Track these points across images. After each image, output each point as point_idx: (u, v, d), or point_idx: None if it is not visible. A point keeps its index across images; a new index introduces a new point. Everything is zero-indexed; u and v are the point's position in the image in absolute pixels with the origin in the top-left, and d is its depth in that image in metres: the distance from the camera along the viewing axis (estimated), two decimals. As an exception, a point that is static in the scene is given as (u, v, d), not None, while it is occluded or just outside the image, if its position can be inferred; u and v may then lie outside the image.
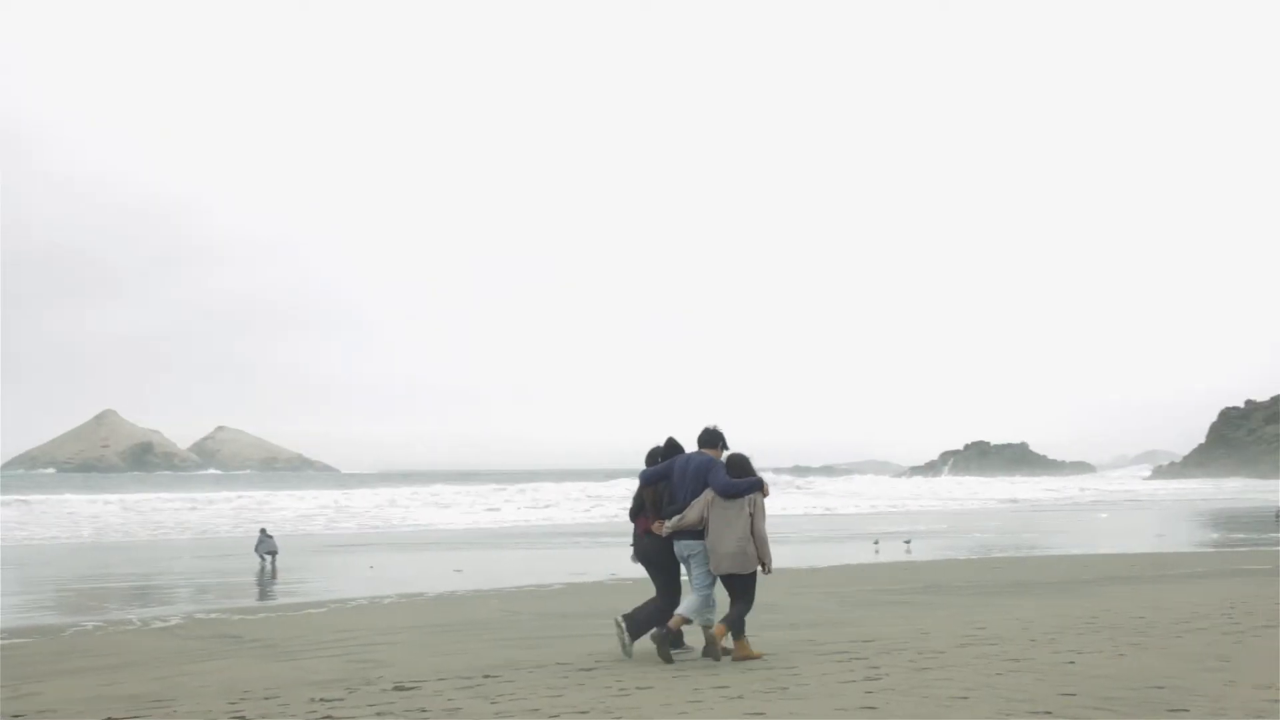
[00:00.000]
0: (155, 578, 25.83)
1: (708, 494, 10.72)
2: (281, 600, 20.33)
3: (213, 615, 17.80)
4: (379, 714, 8.61)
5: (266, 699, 9.62)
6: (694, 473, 10.88)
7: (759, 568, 10.74)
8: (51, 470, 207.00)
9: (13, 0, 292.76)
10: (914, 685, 8.83)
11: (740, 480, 10.76)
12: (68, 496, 66.76)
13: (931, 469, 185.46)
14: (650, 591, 11.46)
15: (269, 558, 27.30)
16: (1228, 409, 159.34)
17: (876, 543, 32.35)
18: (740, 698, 8.57)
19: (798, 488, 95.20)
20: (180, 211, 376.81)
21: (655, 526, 11.05)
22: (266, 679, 10.81)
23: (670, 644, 10.73)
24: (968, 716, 7.65)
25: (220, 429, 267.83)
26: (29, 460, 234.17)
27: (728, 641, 10.74)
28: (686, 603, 10.86)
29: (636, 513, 11.46)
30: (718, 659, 10.54)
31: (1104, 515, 52.87)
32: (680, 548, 10.91)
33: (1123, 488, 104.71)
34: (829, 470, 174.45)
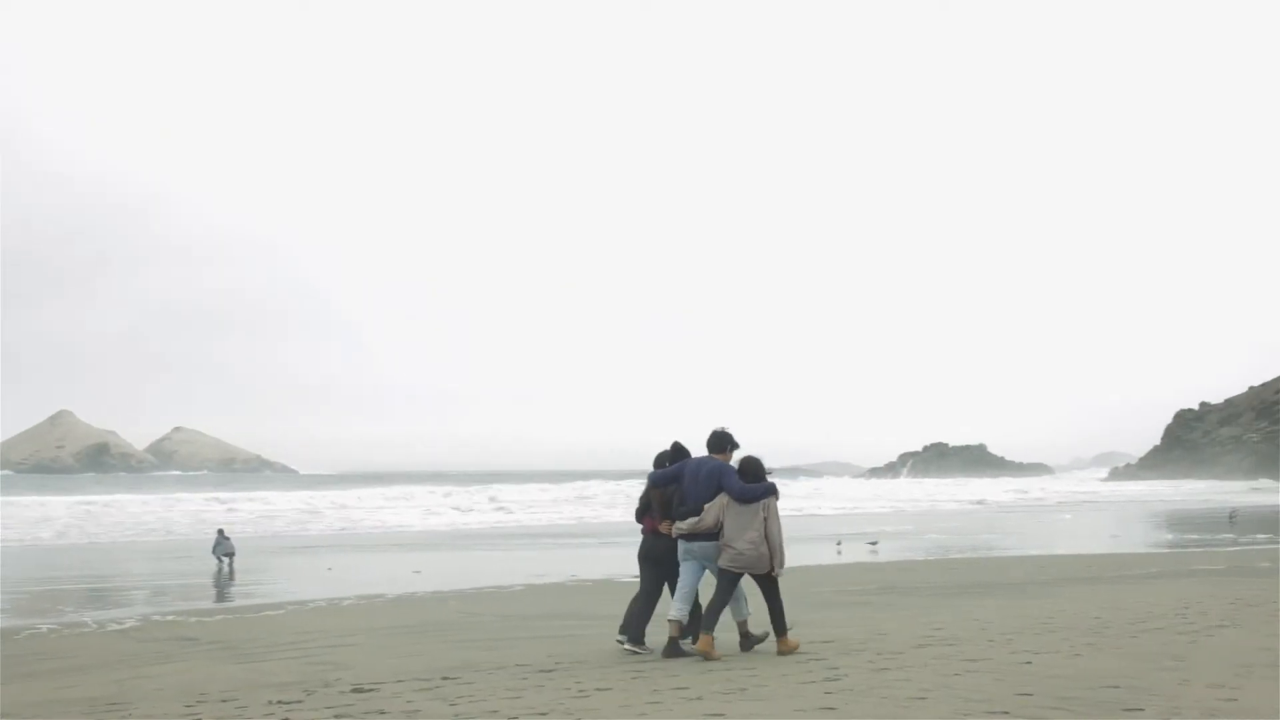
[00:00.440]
0: (111, 579, 25.59)
1: (722, 498, 10.97)
2: (239, 602, 20.19)
3: (169, 617, 17.65)
4: (337, 716, 8.57)
5: (223, 701, 9.56)
6: (706, 477, 11.11)
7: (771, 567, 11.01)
8: (6, 472, 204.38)
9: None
10: (873, 686, 8.87)
11: (756, 486, 11.02)
12: (21, 498, 65.99)
13: (891, 470, 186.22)
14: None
15: (226, 559, 27.12)
16: (1183, 411, 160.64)
17: (839, 544, 32.44)
18: (699, 699, 8.58)
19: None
20: (139, 209, 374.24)
21: (663, 527, 11.33)
22: (224, 681, 10.74)
23: (634, 641, 11.30)
24: (926, 717, 7.68)
25: (177, 430, 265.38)
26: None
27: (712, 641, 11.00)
28: (677, 605, 11.14)
29: (643, 513, 11.70)
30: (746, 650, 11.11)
31: (1068, 516, 53.23)
32: (693, 548, 11.13)
33: (1081, 489, 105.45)
34: (793, 472, 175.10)
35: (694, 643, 11.04)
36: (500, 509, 62.38)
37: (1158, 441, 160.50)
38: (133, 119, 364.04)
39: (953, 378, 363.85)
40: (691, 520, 11.04)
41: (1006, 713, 7.68)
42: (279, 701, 9.35)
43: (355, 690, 9.73)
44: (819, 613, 15.28)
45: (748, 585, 11.29)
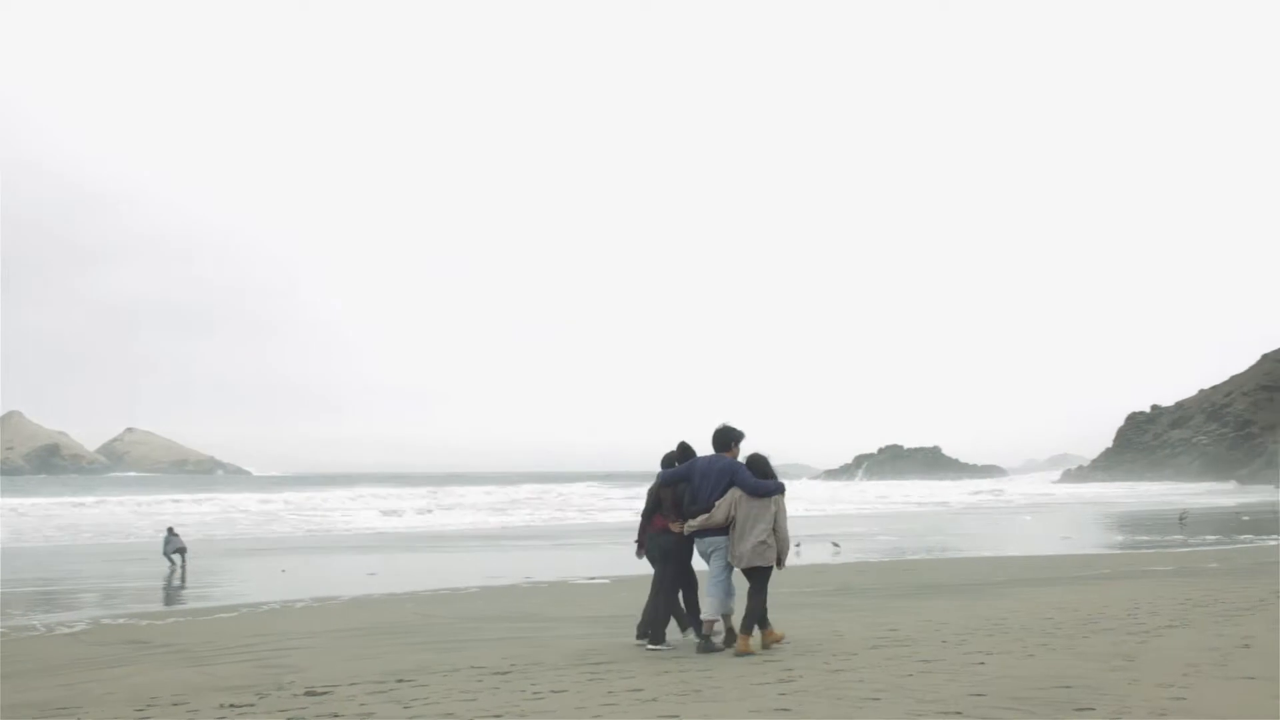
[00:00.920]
0: (61, 582, 25.29)
1: (733, 493, 11.27)
2: (192, 605, 20.02)
3: (121, 620, 17.47)
4: (290, 719, 8.52)
5: (175, 705, 9.48)
6: (718, 474, 11.40)
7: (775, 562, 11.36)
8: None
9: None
10: (827, 686, 8.90)
11: (768, 481, 11.38)
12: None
13: (846, 472, 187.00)
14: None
15: (177, 557, 26.91)
16: (1134, 414, 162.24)
17: (798, 545, 32.48)
18: (654, 700, 8.58)
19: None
20: (98, 205, 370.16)
21: (675, 525, 11.59)
22: (175, 685, 10.65)
23: (655, 640, 11.71)
24: (880, 717, 7.72)
25: (129, 431, 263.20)
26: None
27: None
28: (711, 603, 11.37)
29: (652, 512, 11.93)
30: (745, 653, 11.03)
31: (1028, 518, 53.62)
32: (704, 544, 11.45)
33: (1037, 490, 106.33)
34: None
35: (696, 636, 11.55)
36: (456, 510, 62.21)
37: (1110, 444, 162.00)
38: (95, 111, 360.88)
39: (907, 380, 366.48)
40: (702, 517, 11.34)
41: (959, 713, 7.73)
42: (231, 705, 9.28)
43: (308, 693, 9.67)
44: (775, 614, 15.25)
45: (737, 579, 11.53)
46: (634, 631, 12.23)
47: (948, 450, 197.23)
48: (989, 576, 21.06)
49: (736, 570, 11.43)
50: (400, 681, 10.09)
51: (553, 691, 9.19)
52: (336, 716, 8.52)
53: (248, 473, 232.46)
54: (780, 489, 11.41)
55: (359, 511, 60.18)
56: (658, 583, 11.92)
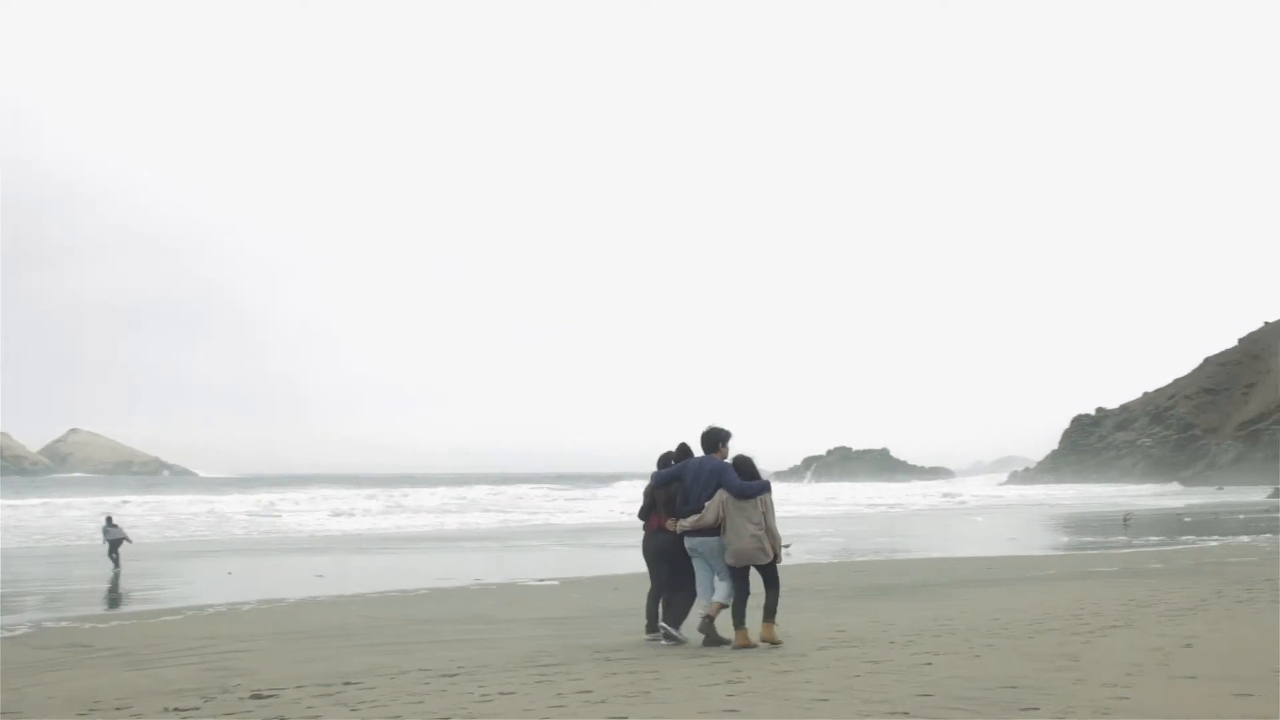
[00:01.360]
0: (2, 585, 24.95)
1: (721, 494, 11.63)
2: (136, 607, 19.80)
3: (63, 624, 17.25)
4: (235, 723, 8.45)
5: (118, 709, 9.38)
6: (707, 476, 11.78)
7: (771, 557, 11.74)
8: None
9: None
10: (775, 688, 8.93)
11: (754, 483, 11.74)
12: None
13: (795, 474, 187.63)
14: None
15: (113, 545, 26.72)
16: (1079, 416, 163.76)
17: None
18: (603, 701, 8.58)
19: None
20: (39, 207, 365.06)
21: (669, 524, 11.97)
22: (119, 688, 10.53)
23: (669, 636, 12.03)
24: (827, 718, 7.75)
25: (73, 432, 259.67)
26: None
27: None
28: (721, 589, 11.76)
29: (647, 512, 12.36)
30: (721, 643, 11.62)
31: (980, 520, 54.05)
32: (696, 544, 11.78)
33: (986, 492, 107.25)
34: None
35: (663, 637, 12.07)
36: (405, 512, 61.92)
37: (1056, 446, 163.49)
38: (43, 107, 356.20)
39: (855, 382, 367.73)
40: (693, 518, 11.68)
41: (906, 713, 7.77)
42: (175, 709, 9.19)
43: (254, 696, 9.59)
44: (723, 616, 15.33)
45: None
46: (588, 633, 12.29)
47: (896, 452, 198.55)
48: (937, 578, 21.22)
49: (719, 570, 11.80)
50: (347, 684, 10.03)
51: (500, 693, 9.16)
52: (283, 719, 8.46)
53: (194, 474, 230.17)
54: (765, 488, 11.75)
55: (308, 513, 59.77)
56: (660, 579, 12.29)
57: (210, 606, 19.07)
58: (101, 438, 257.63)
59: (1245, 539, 33.69)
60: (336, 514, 59.03)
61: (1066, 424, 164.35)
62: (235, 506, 64.46)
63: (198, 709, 9.14)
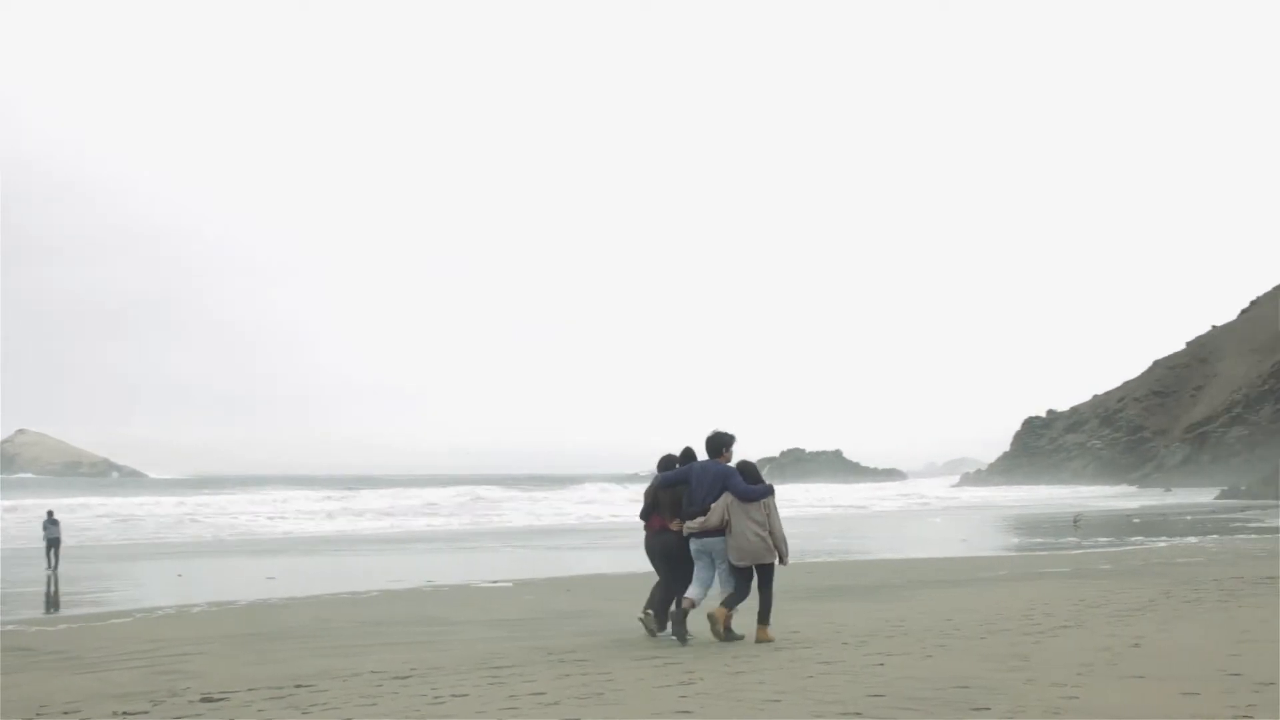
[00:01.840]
0: (-53, 588, 24.61)
1: (726, 498, 12.04)
2: (84, 610, 19.55)
3: (9, 627, 17.01)
4: (184, 726, 8.37)
5: (66, 714, 9.26)
6: (712, 480, 12.19)
7: (776, 559, 12.18)
8: None
9: None
10: (728, 689, 8.93)
11: (758, 486, 12.21)
12: None
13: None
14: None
15: (50, 545, 26.48)
16: (1031, 418, 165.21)
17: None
18: (556, 703, 8.55)
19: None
20: (32, 203, 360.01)
21: (674, 525, 12.38)
22: (66, 693, 10.40)
23: (723, 632, 12.07)
24: (780, 718, 7.76)
25: (20, 432, 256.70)
26: None
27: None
28: (695, 590, 12.18)
29: (649, 513, 12.75)
30: (721, 639, 11.91)
31: (938, 520, 54.34)
32: (703, 545, 12.16)
33: (938, 494, 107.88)
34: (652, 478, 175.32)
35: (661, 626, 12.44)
36: (358, 514, 61.57)
37: (1007, 448, 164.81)
38: (61, 101, 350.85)
39: (809, 384, 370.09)
40: (699, 519, 12.07)
41: (859, 714, 7.80)
42: (124, 713, 9.09)
43: (204, 699, 9.51)
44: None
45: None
46: (541, 634, 12.31)
47: (849, 454, 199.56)
48: (890, 579, 21.31)
49: (719, 571, 12.23)
50: (299, 687, 9.96)
51: (453, 695, 9.12)
52: (232, 723, 8.38)
53: (144, 475, 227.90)
54: (769, 492, 12.22)
55: (260, 514, 59.29)
56: (667, 577, 12.60)
57: (160, 609, 18.88)
58: (49, 438, 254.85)
59: (1193, 540, 34.07)
60: (286, 515, 58.59)
61: (1018, 426, 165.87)
62: (186, 508, 63.85)
63: (146, 713, 9.04)
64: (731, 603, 12.07)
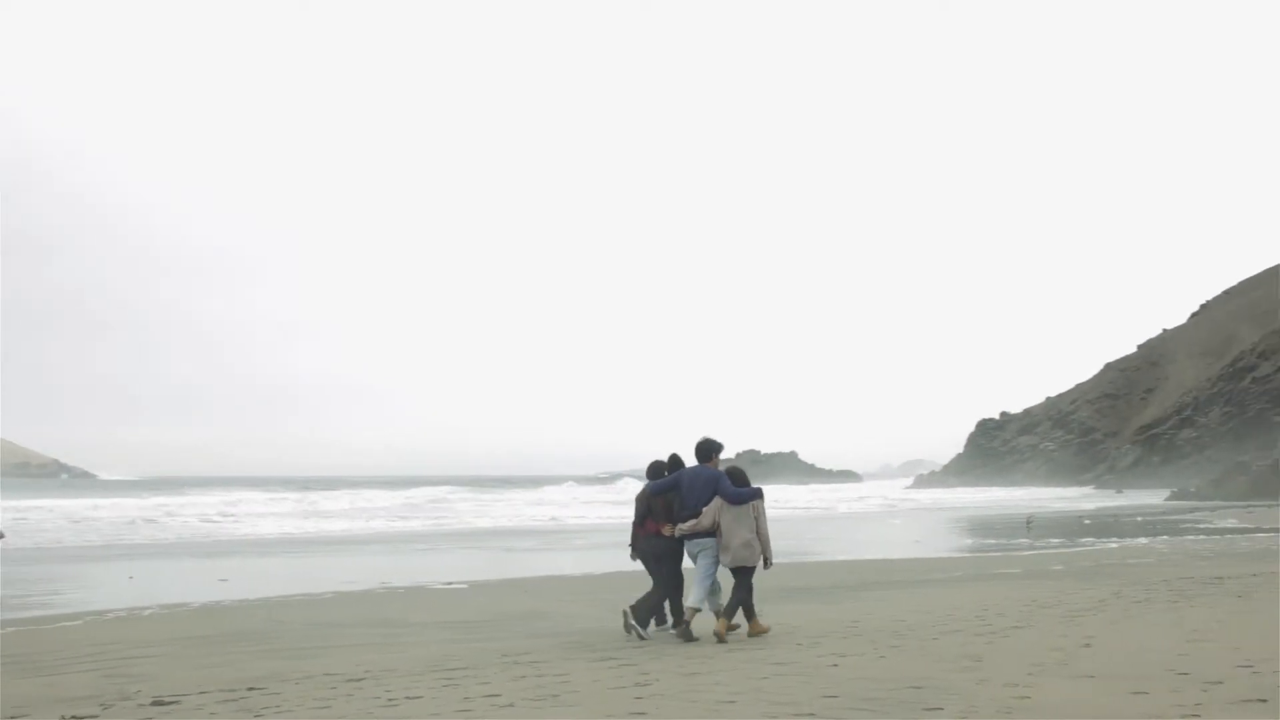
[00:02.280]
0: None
1: (717, 501, 12.58)
2: (32, 613, 19.31)
3: (-45, 630, 16.79)
4: (134, 730, 8.29)
5: (13, 718, 9.15)
6: (703, 484, 12.74)
7: (761, 562, 12.68)
8: None
9: None
10: (683, 690, 8.95)
11: (746, 489, 12.73)
12: None
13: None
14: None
15: None
16: (984, 420, 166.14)
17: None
18: (511, 705, 8.55)
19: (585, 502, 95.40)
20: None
21: (666, 529, 12.92)
22: (14, 697, 10.27)
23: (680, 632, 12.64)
24: (735, 719, 7.78)
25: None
26: None
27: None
28: (695, 594, 12.67)
29: (644, 518, 13.27)
30: (722, 640, 12.25)
31: (897, 522, 54.54)
32: (693, 546, 12.78)
33: (894, 496, 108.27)
34: (611, 478, 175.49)
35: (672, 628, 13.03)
36: (315, 515, 61.18)
37: (961, 449, 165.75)
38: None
39: (764, 386, 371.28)
40: (691, 522, 12.63)
41: (812, 714, 7.83)
42: (73, 717, 9.00)
43: (155, 703, 9.43)
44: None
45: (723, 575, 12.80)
46: (496, 636, 12.31)
47: (804, 456, 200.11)
48: (844, 580, 21.40)
49: (721, 569, 12.76)
50: (251, 689, 9.89)
51: (407, 698, 9.09)
52: (184, 726, 8.31)
53: (94, 476, 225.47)
54: (758, 495, 12.72)
55: (212, 516, 58.76)
56: (661, 580, 13.13)
57: (110, 611, 18.67)
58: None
59: (1143, 541, 34.39)
60: (246, 516, 58.10)
61: (971, 428, 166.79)
62: (138, 509, 63.21)
63: (96, 717, 8.97)
64: (748, 607, 12.66)
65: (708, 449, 13.06)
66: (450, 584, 22.50)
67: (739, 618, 12.78)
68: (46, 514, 57.68)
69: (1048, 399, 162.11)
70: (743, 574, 12.60)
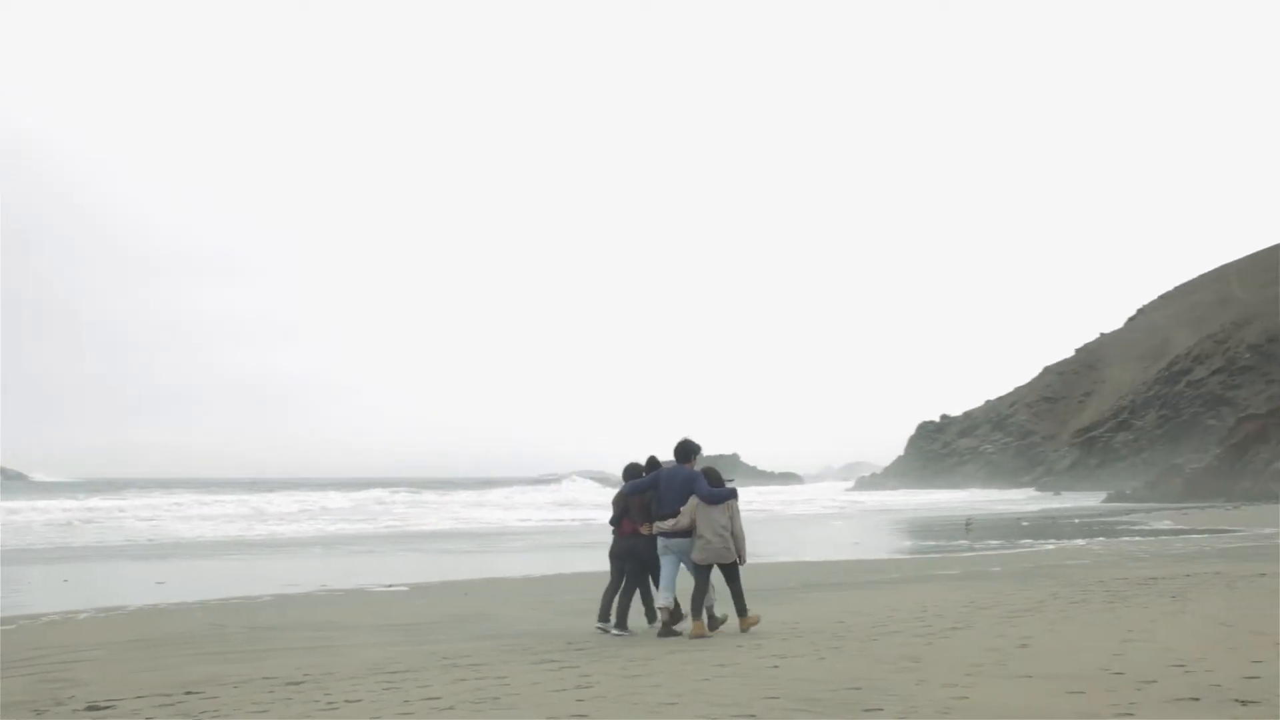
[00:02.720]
0: None
1: (693, 501, 12.95)
2: (-36, 617, 19.01)
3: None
4: (69, 735, 8.19)
5: (-57, 723, 9.01)
6: (680, 484, 13.14)
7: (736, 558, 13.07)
8: None
9: None
10: (624, 692, 8.96)
11: (721, 489, 13.16)
12: None
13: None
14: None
15: None
16: (924, 423, 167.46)
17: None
18: (451, 708, 8.52)
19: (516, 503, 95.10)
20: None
21: (644, 528, 13.36)
22: (-56, 702, 10.12)
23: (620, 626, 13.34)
24: (675, 721, 7.81)
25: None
26: None
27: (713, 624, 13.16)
28: (664, 595, 13.10)
29: (620, 517, 13.76)
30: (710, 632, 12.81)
31: (840, 524, 54.83)
32: (670, 545, 13.09)
33: (836, 498, 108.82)
34: (549, 479, 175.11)
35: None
36: (255, 517, 60.61)
37: (902, 452, 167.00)
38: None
39: (706, 388, 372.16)
40: (670, 521, 12.98)
41: (753, 715, 7.87)
42: (5, 721, 8.88)
43: (90, 708, 9.31)
44: (571, 620, 15.36)
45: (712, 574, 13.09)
46: (436, 639, 12.28)
47: (745, 457, 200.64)
48: (783, 581, 21.47)
49: (687, 567, 13.14)
50: (189, 694, 9.80)
51: (347, 701, 9.04)
52: (119, 731, 8.22)
53: (26, 477, 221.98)
54: (732, 495, 13.14)
55: (151, 517, 58.07)
56: (629, 578, 13.62)
57: (44, 615, 18.39)
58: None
59: (1080, 542, 34.82)
60: (189, 519, 57.45)
61: (912, 431, 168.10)
62: (74, 511, 62.33)
63: (29, 722, 8.84)
64: (698, 606, 12.79)
65: (687, 450, 13.55)
66: (391, 586, 22.38)
67: (722, 611, 13.24)
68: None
69: (987, 402, 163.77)
70: (727, 571, 13.03)
